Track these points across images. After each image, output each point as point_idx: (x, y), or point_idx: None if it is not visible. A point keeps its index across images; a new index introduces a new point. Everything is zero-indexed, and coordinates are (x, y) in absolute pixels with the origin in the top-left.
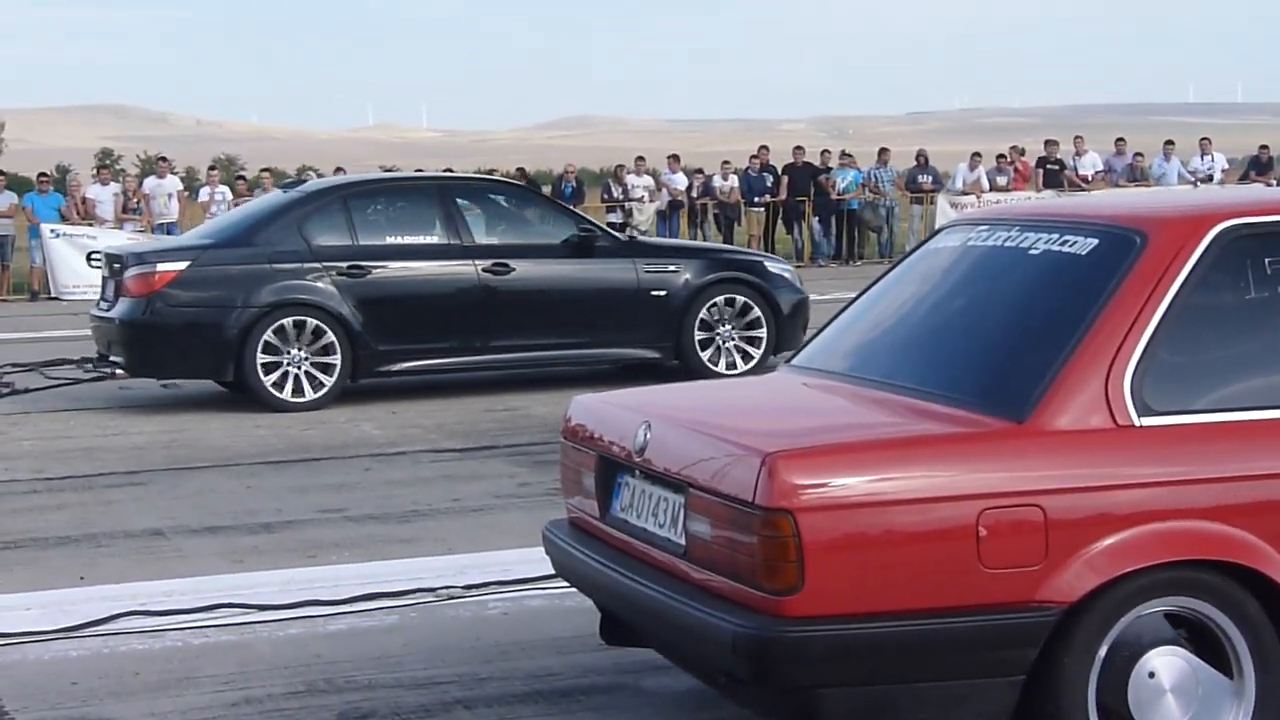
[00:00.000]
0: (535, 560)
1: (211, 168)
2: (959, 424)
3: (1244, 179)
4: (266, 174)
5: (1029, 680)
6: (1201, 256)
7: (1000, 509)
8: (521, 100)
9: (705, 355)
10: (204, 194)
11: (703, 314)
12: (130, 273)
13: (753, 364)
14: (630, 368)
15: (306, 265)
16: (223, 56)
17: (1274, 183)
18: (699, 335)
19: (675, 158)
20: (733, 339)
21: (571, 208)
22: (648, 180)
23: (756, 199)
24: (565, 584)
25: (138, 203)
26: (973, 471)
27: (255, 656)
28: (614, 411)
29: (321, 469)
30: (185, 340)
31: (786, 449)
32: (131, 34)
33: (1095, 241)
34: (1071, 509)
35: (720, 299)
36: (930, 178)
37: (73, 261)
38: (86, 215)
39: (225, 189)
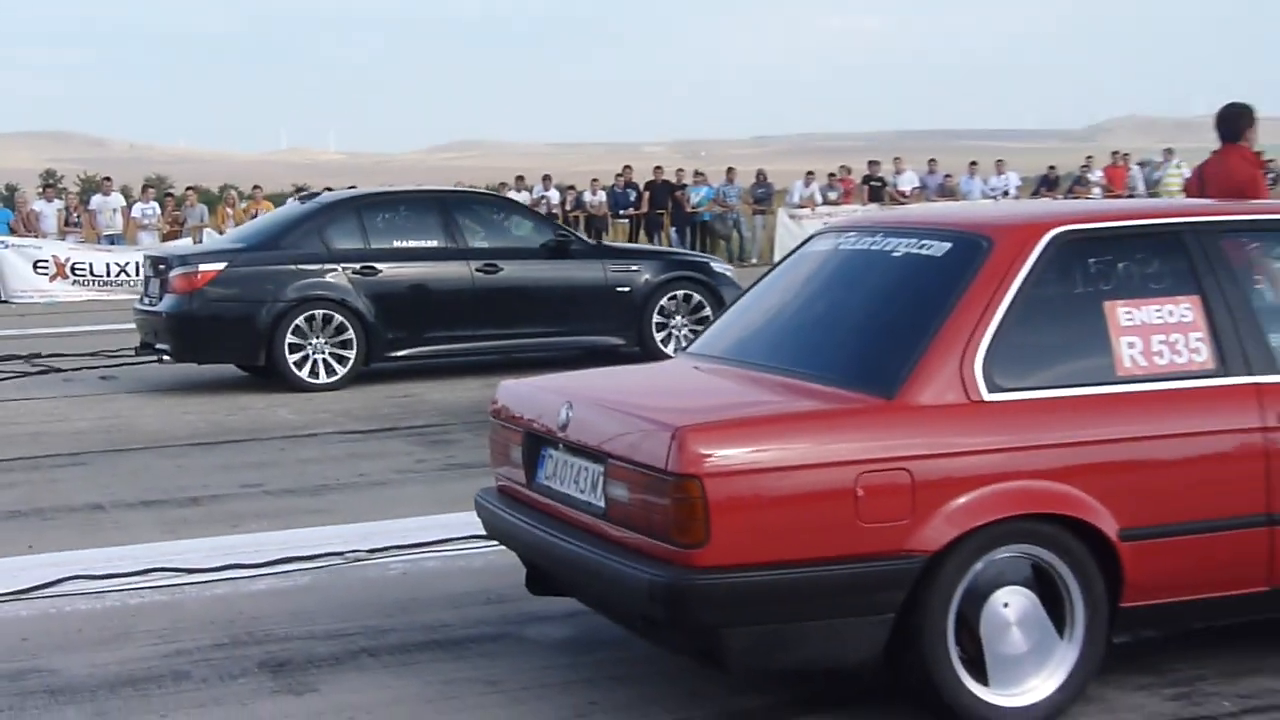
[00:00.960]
0: (431, 526)
1: (145, 186)
2: (838, 401)
3: (1035, 194)
4: (192, 191)
5: (898, 617)
6: (1039, 257)
7: (874, 472)
8: (418, 125)
9: (660, 341)
10: (136, 210)
11: (660, 307)
12: (175, 272)
13: None
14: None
15: (326, 266)
16: (154, 86)
17: (1060, 197)
18: (656, 325)
19: (548, 177)
20: (685, 328)
21: (550, 217)
22: (525, 196)
23: (621, 212)
24: (458, 547)
25: (78, 216)
26: (851, 441)
27: (185, 614)
28: (538, 394)
29: (243, 449)
30: (223, 330)
31: (693, 423)
32: (71, 67)
33: (949, 245)
34: (933, 472)
35: (675, 294)
36: (766, 192)
37: (21, 269)
38: (31, 228)
39: (155, 204)
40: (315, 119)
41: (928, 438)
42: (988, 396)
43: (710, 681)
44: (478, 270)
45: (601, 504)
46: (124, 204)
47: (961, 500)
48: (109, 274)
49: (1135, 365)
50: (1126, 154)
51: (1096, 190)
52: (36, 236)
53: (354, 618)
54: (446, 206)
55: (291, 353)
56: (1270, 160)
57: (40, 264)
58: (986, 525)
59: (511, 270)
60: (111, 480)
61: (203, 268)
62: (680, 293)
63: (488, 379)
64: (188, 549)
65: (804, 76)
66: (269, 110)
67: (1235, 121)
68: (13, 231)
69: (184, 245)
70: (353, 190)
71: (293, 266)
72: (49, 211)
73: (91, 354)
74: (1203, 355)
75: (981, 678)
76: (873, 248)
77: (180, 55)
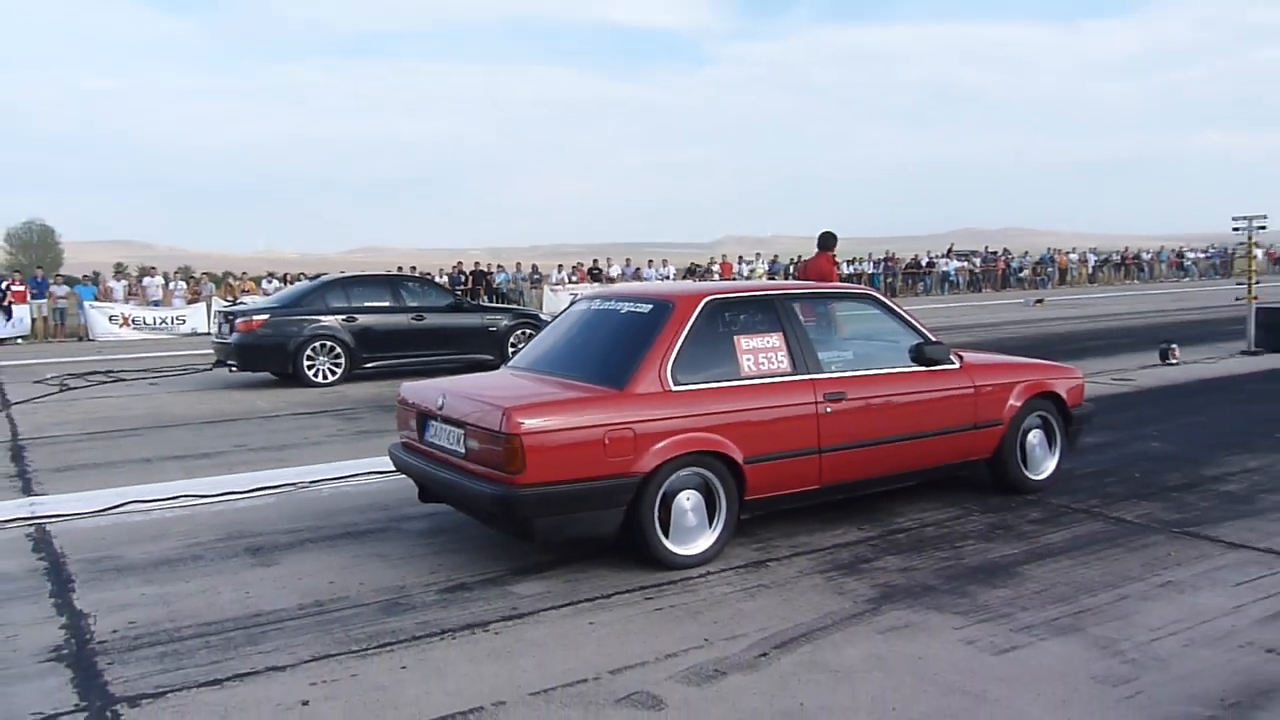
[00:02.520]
0: (346, 468)
1: (175, 273)
2: (594, 391)
3: (684, 277)
4: (205, 275)
5: (628, 509)
6: (699, 312)
7: (614, 430)
8: (339, 235)
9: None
10: (171, 285)
11: (512, 339)
12: (239, 320)
13: None
14: (473, 365)
15: (326, 316)
16: (182, 208)
17: (700, 279)
18: (510, 349)
19: (414, 267)
20: None
21: (450, 289)
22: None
23: (457, 287)
24: (362, 479)
25: (136, 290)
26: (601, 413)
27: (199, 523)
28: (425, 389)
29: (235, 425)
30: (268, 352)
31: (514, 405)
32: (135, 199)
33: (651, 305)
34: (645, 429)
35: (521, 331)
36: (538, 276)
37: (101, 321)
38: (107, 297)
39: (182, 283)
40: (279, 229)
41: (642, 411)
42: (674, 388)
43: (507, 550)
44: (412, 318)
45: (463, 451)
46: (163, 283)
47: (660, 444)
48: (155, 324)
49: (750, 370)
50: (735, 257)
51: (716, 276)
52: (110, 301)
53: (301, 521)
54: (394, 282)
55: (307, 365)
56: (855, 259)
57: (112, 317)
58: (674, 458)
59: (431, 318)
60: (155, 444)
61: (255, 317)
62: (523, 330)
63: (387, 383)
64: (201, 484)
65: (561, 211)
66: (251, 224)
67: (827, 240)
68: (97, 299)
69: (243, 305)
70: (339, 274)
71: (307, 316)
72: (118, 287)
73: (144, 371)
74: (784, 363)
75: (675, 540)
76: (609, 307)
77: (200, 187)
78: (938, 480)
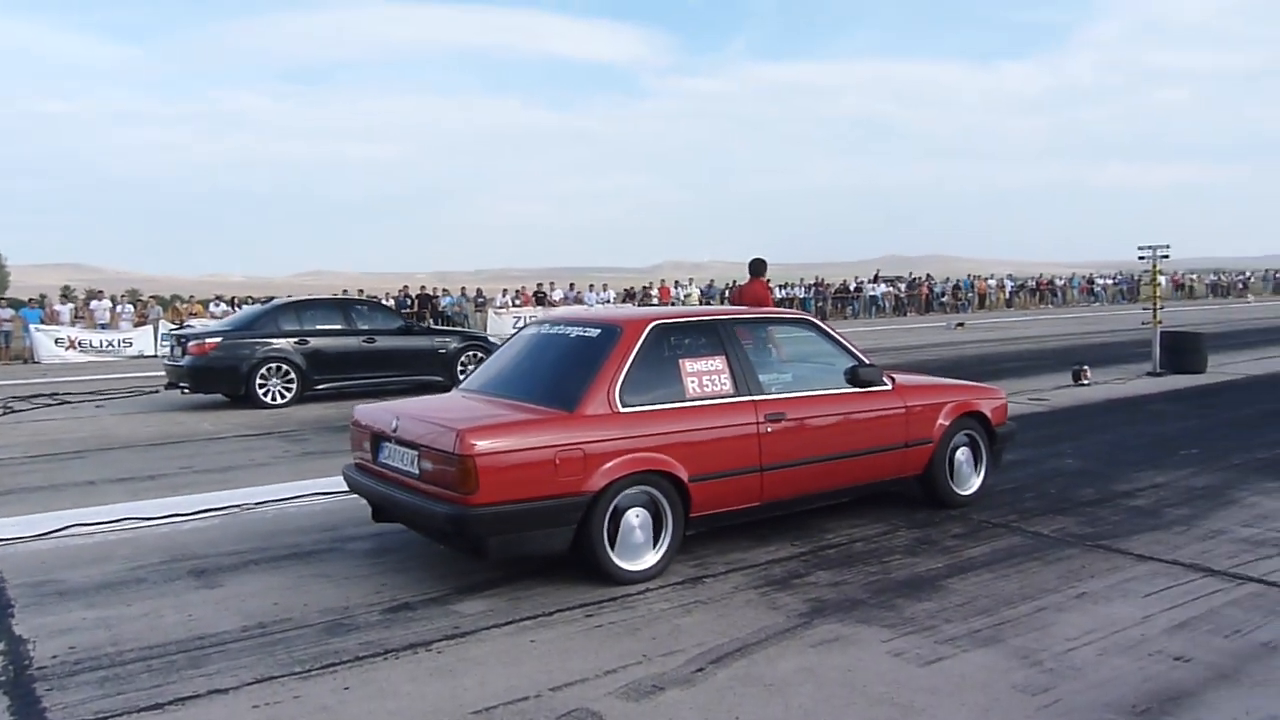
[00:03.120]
0: (291, 489)
1: (123, 295)
2: (544, 413)
3: (623, 302)
4: (152, 299)
5: (578, 527)
6: (645, 336)
7: (564, 450)
8: (287, 257)
9: (463, 380)
10: (119, 309)
11: (461, 360)
12: (192, 343)
13: None
14: (423, 386)
15: (278, 338)
16: (129, 232)
17: (639, 304)
18: (459, 370)
19: (361, 290)
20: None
21: (400, 313)
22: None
23: (403, 310)
24: (306, 500)
25: (82, 313)
26: (552, 434)
27: (143, 545)
28: (378, 412)
29: (180, 447)
30: (221, 374)
31: (467, 427)
32: (80, 221)
33: (599, 330)
34: (594, 449)
35: (469, 353)
36: (483, 300)
37: (47, 344)
38: (54, 320)
39: (130, 306)
40: (227, 253)
41: (592, 432)
42: (622, 409)
43: (451, 569)
44: (363, 341)
45: (417, 472)
46: (111, 306)
47: (609, 464)
48: (101, 347)
49: (695, 391)
50: (672, 281)
51: (655, 300)
52: (57, 325)
53: (246, 542)
54: (344, 305)
55: (260, 387)
56: (787, 284)
57: (59, 340)
58: (622, 477)
59: (382, 340)
60: (99, 466)
61: (208, 340)
62: (472, 352)
63: (333, 404)
64: (145, 506)
65: (505, 236)
66: (198, 247)
67: (758, 266)
68: (43, 322)
69: (195, 327)
70: (289, 298)
71: (260, 339)
72: (65, 310)
73: (89, 393)
74: (727, 385)
75: (623, 556)
76: (558, 331)
77: (149, 210)
78: (867, 497)
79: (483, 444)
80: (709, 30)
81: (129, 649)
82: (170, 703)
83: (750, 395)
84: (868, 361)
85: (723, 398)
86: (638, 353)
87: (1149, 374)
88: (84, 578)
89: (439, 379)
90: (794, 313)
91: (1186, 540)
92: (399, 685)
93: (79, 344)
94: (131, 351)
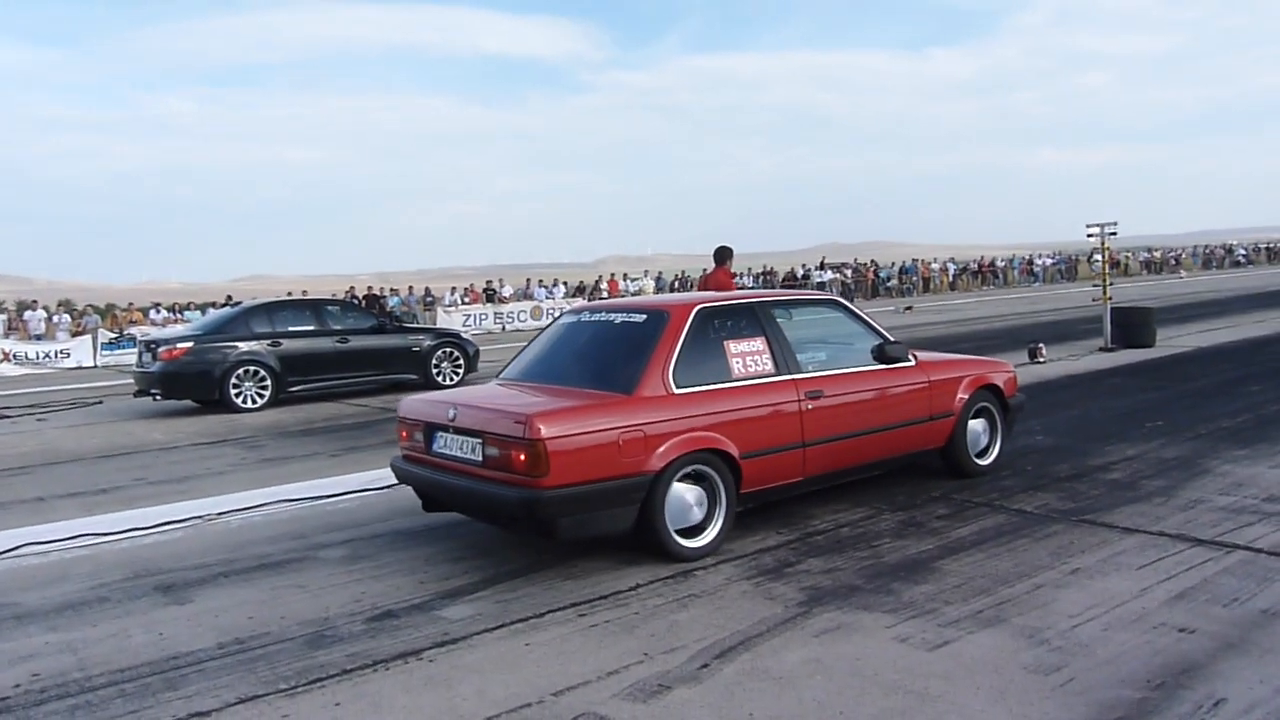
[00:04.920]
0: (255, 497)
1: (59, 305)
2: (605, 397)
3: (574, 297)
4: (89, 307)
5: (641, 505)
6: (693, 320)
7: (626, 432)
8: (223, 263)
9: (437, 378)
10: (54, 319)
11: (435, 358)
12: (162, 348)
13: (458, 381)
14: (398, 385)
15: (251, 341)
16: (61, 240)
17: (590, 299)
18: (434, 368)
19: (305, 291)
20: (449, 370)
21: (371, 312)
22: None
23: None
24: (272, 508)
25: (16, 324)
26: (614, 417)
27: (103, 562)
28: (428, 404)
29: (132, 458)
30: (193, 380)
31: (536, 412)
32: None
33: (646, 315)
34: (654, 431)
35: (443, 351)
36: (431, 298)
37: None
38: None
39: (66, 315)
40: (161, 260)
41: (651, 413)
42: (676, 391)
43: (430, 574)
44: (336, 341)
45: (480, 459)
46: (46, 316)
47: (668, 444)
48: (38, 359)
49: (740, 371)
50: (625, 274)
51: (605, 293)
52: None
53: (211, 554)
54: (316, 306)
55: (234, 391)
56: (737, 274)
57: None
58: (680, 456)
59: (355, 340)
60: (47, 481)
61: (179, 345)
62: (446, 350)
63: (287, 409)
64: (101, 521)
65: (446, 235)
66: (131, 255)
67: (723, 254)
68: None
69: (166, 331)
70: (255, 300)
71: (232, 342)
72: None
73: (29, 406)
74: (769, 365)
75: (682, 533)
76: (601, 319)
77: (76, 218)
78: (846, 483)
79: (553, 428)
80: (643, 24)
81: (98, 673)
82: None
83: (790, 374)
84: (892, 339)
85: (765, 377)
86: (686, 336)
87: (1101, 349)
88: (42, 599)
89: (414, 377)
90: (822, 294)
91: (1168, 511)
92: (393, 698)
93: (13, 356)
94: (69, 363)
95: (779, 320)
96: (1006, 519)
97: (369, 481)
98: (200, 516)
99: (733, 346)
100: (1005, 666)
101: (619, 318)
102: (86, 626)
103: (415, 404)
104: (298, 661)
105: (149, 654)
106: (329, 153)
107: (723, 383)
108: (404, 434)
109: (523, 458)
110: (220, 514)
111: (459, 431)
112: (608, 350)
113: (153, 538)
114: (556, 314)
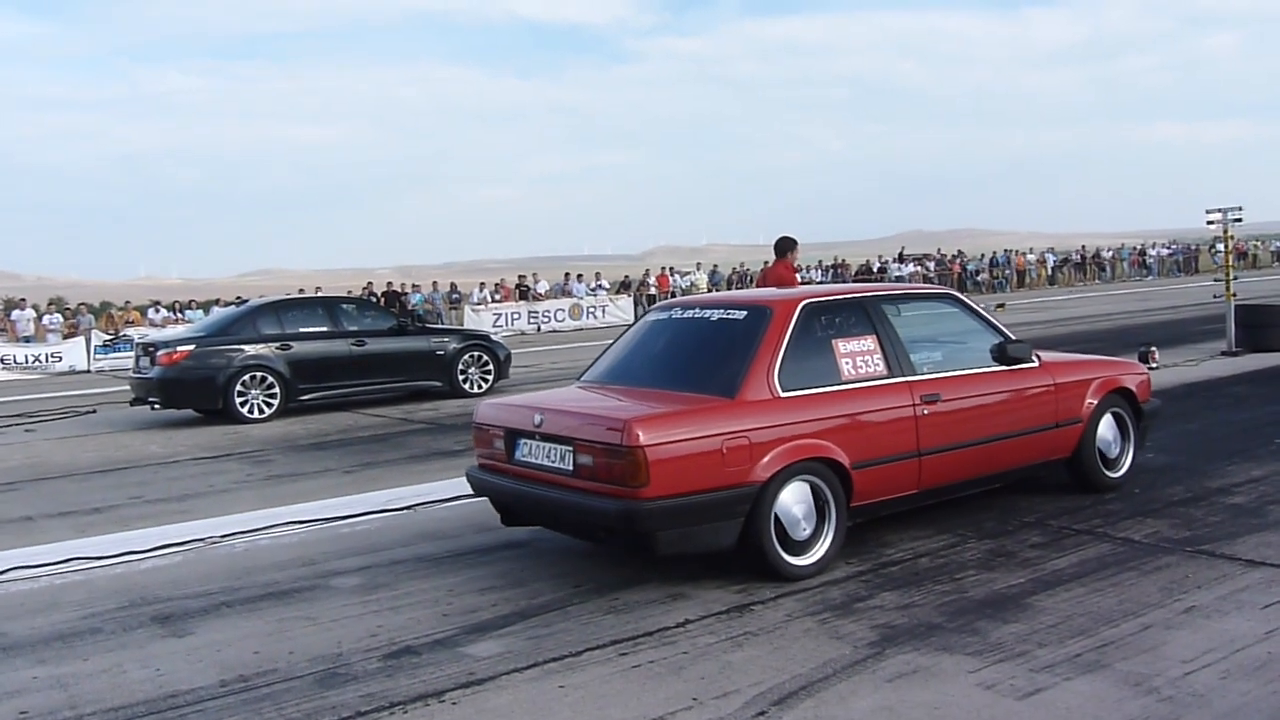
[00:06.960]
0: (262, 518)
1: (49, 304)
2: (705, 401)
3: (618, 292)
4: (82, 306)
5: (745, 519)
6: (798, 317)
7: (730, 439)
8: (227, 257)
9: (464, 384)
10: (45, 319)
11: (462, 362)
12: (161, 352)
13: (487, 389)
14: (420, 393)
15: (258, 344)
16: (52, 234)
17: (636, 294)
18: (459, 374)
19: (319, 288)
20: (477, 376)
21: (391, 311)
22: None
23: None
24: (280, 530)
25: (3, 325)
26: (717, 423)
27: (96, 588)
28: (510, 408)
29: (127, 474)
30: (194, 387)
31: (633, 417)
32: None
33: (745, 312)
34: (759, 438)
35: (470, 354)
36: (457, 296)
37: None
38: None
39: (58, 315)
40: (160, 253)
41: (756, 419)
42: (782, 394)
43: (455, 606)
44: (352, 344)
45: (571, 468)
46: (35, 315)
47: (774, 452)
48: (27, 363)
49: (849, 373)
50: (670, 267)
51: (654, 289)
52: None
53: (213, 582)
54: (330, 304)
55: (239, 400)
56: (800, 268)
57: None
58: (787, 465)
59: (373, 343)
60: (36, 499)
61: (179, 348)
62: (473, 353)
63: (297, 420)
64: (94, 544)
65: (477, 224)
66: (127, 248)
67: (784, 245)
68: None
69: (164, 334)
70: (263, 298)
71: (237, 345)
72: None
73: (17, 415)
74: (880, 366)
75: (788, 550)
76: (695, 315)
77: (69, 207)
78: (925, 506)
79: (652, 434)
80: None
81: (90, 711)
82: None
83: (904, 376)
84: (1014, 338)
85: (877, 379)
86: (791, 334)
87: (1224, 353)
88: (30, 629)
89: (438, 384)
90: (937, 288)
91: None
92: None
93: (1, 360)
94: (61, 366)
95: (890, 317)
96: (1111, 549)
97: (388, 501)
98: (201, 539)
99: (842, 346)
100: (1107, 718)
101: (715, 314)
102: (78, 660)
103: (494, 409)
104: (307, 702)
105: (145, 691)
106: (345, 132)
107: (832, 385)
108: (481, 442)
109: (620, 465)
110: (223, 537)
111: (546, 438)
112: (704, 350)
113: (150, 562)
114: (639, 314)
